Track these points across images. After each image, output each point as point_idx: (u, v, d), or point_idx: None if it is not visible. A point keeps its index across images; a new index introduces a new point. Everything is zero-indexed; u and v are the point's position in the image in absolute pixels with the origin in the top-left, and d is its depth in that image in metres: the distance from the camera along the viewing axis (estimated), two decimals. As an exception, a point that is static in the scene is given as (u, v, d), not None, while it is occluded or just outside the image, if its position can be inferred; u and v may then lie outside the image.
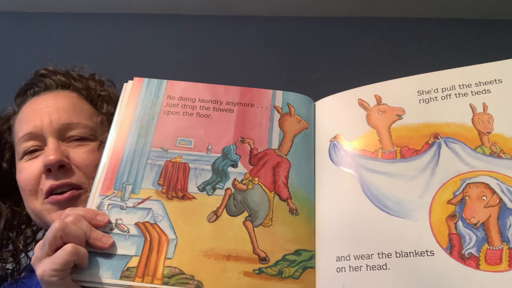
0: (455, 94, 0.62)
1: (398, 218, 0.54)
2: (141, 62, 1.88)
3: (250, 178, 0.60)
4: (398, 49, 1.88)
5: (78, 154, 0.74)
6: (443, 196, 0.54)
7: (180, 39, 1.99)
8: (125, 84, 0.70)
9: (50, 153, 0.71)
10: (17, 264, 0.81)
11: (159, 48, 1.97)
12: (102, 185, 0.59)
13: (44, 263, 0.51)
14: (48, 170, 0.71)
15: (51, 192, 0.72)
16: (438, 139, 0.59)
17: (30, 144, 0.75)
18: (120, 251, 0.54)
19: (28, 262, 0.82)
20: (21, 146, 0.76)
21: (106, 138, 0.64)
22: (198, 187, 0.59)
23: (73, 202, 0.72)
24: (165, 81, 0.69)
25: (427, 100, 0.62)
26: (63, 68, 0.85)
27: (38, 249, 0.53)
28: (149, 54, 1.94)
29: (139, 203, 0.58)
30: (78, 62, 0.86)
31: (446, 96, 0.62)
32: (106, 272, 0.52)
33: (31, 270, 0.80)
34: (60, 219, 0.53)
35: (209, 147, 0.62)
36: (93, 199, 0.58)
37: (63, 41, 1.97)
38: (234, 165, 0.61)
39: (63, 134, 0.75)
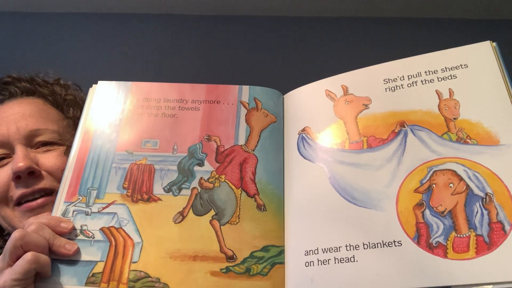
0: (421, 81, 0.61)
1: (365, 209, 0.54)
2: (133, 63, 1.86)
3: (217, 176, 0.59)
4: (393, 50, 1.87)
5: (48, 159, 0.73)
6: (410, 185, 0.54)
7: (165, 39, 1.97)
8: (90, 88, 0.69)
9: (19, 160, 0.70)
10: None
11: (147, 48, 1.94)
12: (67, 191, 0.59)
13: (5, 273, 0.50)
14: (18, 177, 0.70)
15: (22, 198, 0.71)
16: (405, 127, 0.58)
17: None
18: (85, 257, 0.53)
19: None
20: None
21: (70, 141, 0.63)
22: (164, 188, 0.58)
23: (45, 207, 0.71)
24: (129, 83, 0.68)
25: (393, 88, 0.62)
26: (28, 74, 0.84)
27: (0, 260, 0.52)
28: (140, 54, 1.91)
29: (104, 208, 0.57)
30: (43, 67, 0.85)
31: (412, 83, 0.61)
32: (71, 279, 0.52)
33: None
34: (22, 228, 0.52)
35: (175, 147, 0.61)
36: (58, 206, 0.58)
37: (59, 41, 1.94)
38: (201, 164, 0.60)
39: (30, 141, 0.74)
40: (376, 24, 1.92)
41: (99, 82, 0.68)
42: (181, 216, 0.56)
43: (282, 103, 0.67)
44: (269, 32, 1.95)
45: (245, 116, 0.64)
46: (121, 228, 0.55)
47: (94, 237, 0.55)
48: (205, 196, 0.57)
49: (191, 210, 0.56)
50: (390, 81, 0.62)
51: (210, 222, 0.56)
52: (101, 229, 0.55)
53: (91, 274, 0.52)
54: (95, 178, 0.59)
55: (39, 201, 0.71)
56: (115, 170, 0.60)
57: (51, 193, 0.72)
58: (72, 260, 0.53)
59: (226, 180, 0.59)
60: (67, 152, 0.71)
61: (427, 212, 0.52)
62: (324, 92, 0.65)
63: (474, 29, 1.83)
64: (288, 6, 1.92)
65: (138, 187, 0.58)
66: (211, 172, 0.59)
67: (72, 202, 0.57)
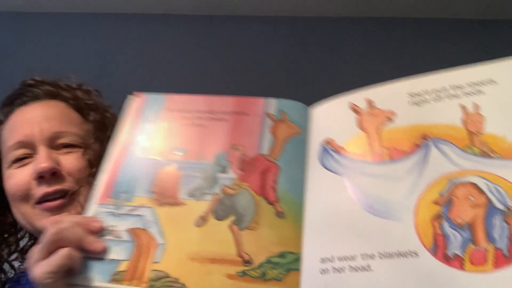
0: (447, 96, 0.61)
1: (382, 219, 0.54)
2: (137, 63, 1.88)
3: (239, 183, 0.61)
4: (394, 50, 1.84)
5: (69, 160, 0.77)
6: (429, 197, 0.54)
7: (173, 39, 1.97)
8: (127, 99, 0.73)
9: (42, 161, 0.74)
10: (2, 272, 0.84)
11: (155, 48, 1.96)
12: (100, 194, 0.62)
13: (40, 265, 0.53)
14: (41, 177, 0.74)
15: (44, 197, 0.75)
16: (427, 140, 0.58)
17: (20, 152, 0.78)
18: (111, 255, 0.56)
19: (13, 273, 0.85)
20: (11, 154, 0.79)
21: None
22: (188, 193, 0.61)
23: (63, 208, 0.75)
24: (165, 95, 0.72)
25: (417, 102, 0.62)
26: (51, 78, 0.87)
27: (36, 252, 0.55)
28: (146, 55, 1.93)
29: (131, 211, 0.60)
30: (64, 72, 0.88)
31: (438, 97, 0.61)
32: (97, 275, 0.55)
33: (15, 281, 0.83)
34: (57, 225, 0.56)
35: (201, 155, 0.64)
36: (90, 207, 0.61)
37: (59, 42, 1.99)
38: (224, 171, 0.62)
39: (53, 142, 0.78)
40: (382, 24, 1.89)
41: (136, 93, 0.73)
42: (202, 220, 0.58)
43: (307, 115, 0.69)
44: (298, 43, 1.94)
45: (271, 127, 0.66)
46: (146, 229, 0.58)
47: (120, 237, 0.58)
48: (226, 202, 0.59)
49: (212, 214, 0.58)
50: (415, 95, 0.63)
51: (230, 226, 0.57)
52: (128, 230, 0.58)
53: (115, 271, 0.55)
54: (127, 183, 0.63)
55: (58, 202, 0.75)
56: (145, 176, 0.63)
57: (66, 194, 0.76)
58: (99, 258, 0.56)
59: (248, 187, 0.60)
60: (85, 154, 0.75)
61: (446, 224, 0.51)
62: (348, 105, 0.66)
63: (475, 29, 1.79)
64: (316, 9, 1.90)
65: (165, 192, 0.61)
66: (234, 179, 0.61)
67: (104, 204, 0.61)
